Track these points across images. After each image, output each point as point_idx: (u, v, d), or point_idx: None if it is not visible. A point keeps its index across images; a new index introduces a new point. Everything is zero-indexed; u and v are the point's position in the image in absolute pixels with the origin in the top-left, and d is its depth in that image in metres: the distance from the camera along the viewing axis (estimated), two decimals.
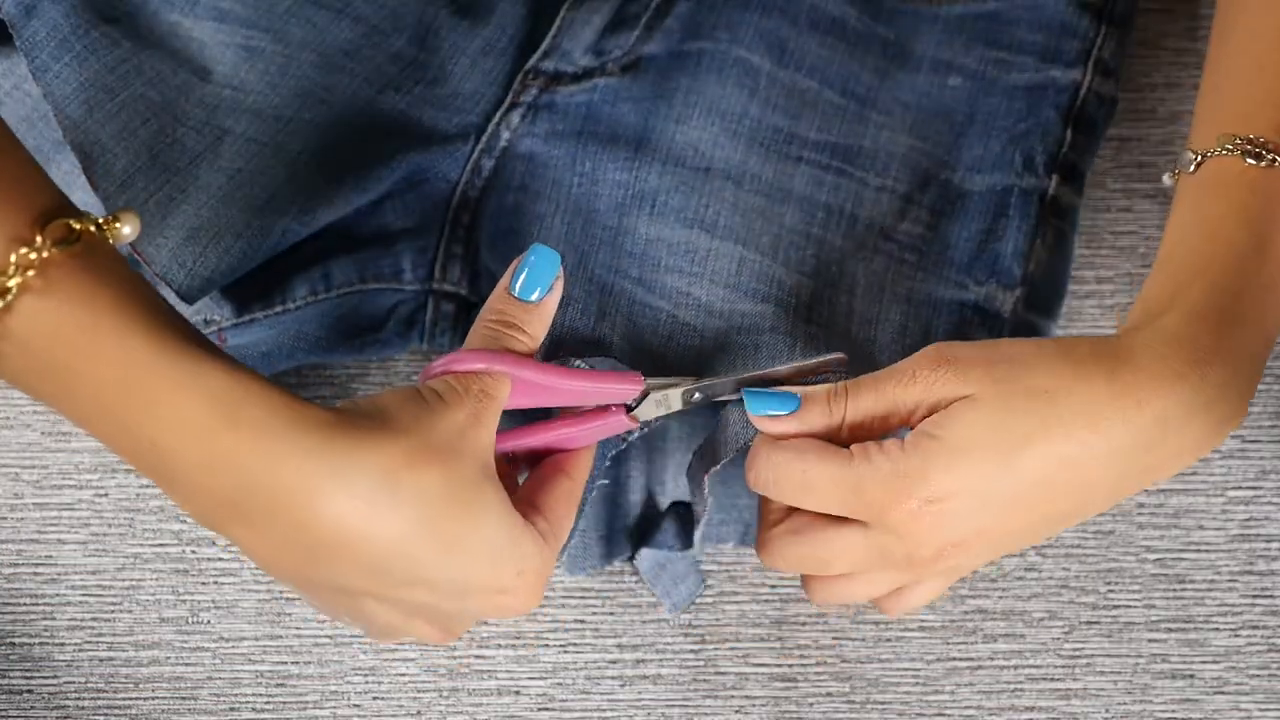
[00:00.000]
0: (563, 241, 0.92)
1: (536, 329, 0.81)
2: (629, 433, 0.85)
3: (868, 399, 0.80)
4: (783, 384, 0.84)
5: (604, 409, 0.83)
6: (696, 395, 0.84)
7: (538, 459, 0.84)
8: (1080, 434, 0.77)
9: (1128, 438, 0.77)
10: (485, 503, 0.74)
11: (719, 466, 0.85)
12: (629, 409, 0.83)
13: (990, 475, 0.77)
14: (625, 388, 0.83)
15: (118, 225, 0.72)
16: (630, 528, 0.95)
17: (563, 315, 0.90)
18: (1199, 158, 0.83)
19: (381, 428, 0.72)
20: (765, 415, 0.81)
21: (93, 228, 0.71)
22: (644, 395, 0.83)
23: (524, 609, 0.78)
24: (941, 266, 0.93)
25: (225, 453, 0.70)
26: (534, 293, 0.81)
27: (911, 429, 0.79)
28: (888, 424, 0.80)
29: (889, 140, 0.96)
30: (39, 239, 0.69)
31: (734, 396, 0.85)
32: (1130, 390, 0.77)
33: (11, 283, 0.69)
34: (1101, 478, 0.78)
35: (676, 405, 0.84)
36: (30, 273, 0.69)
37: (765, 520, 0.83)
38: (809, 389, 0.81)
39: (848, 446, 0.80)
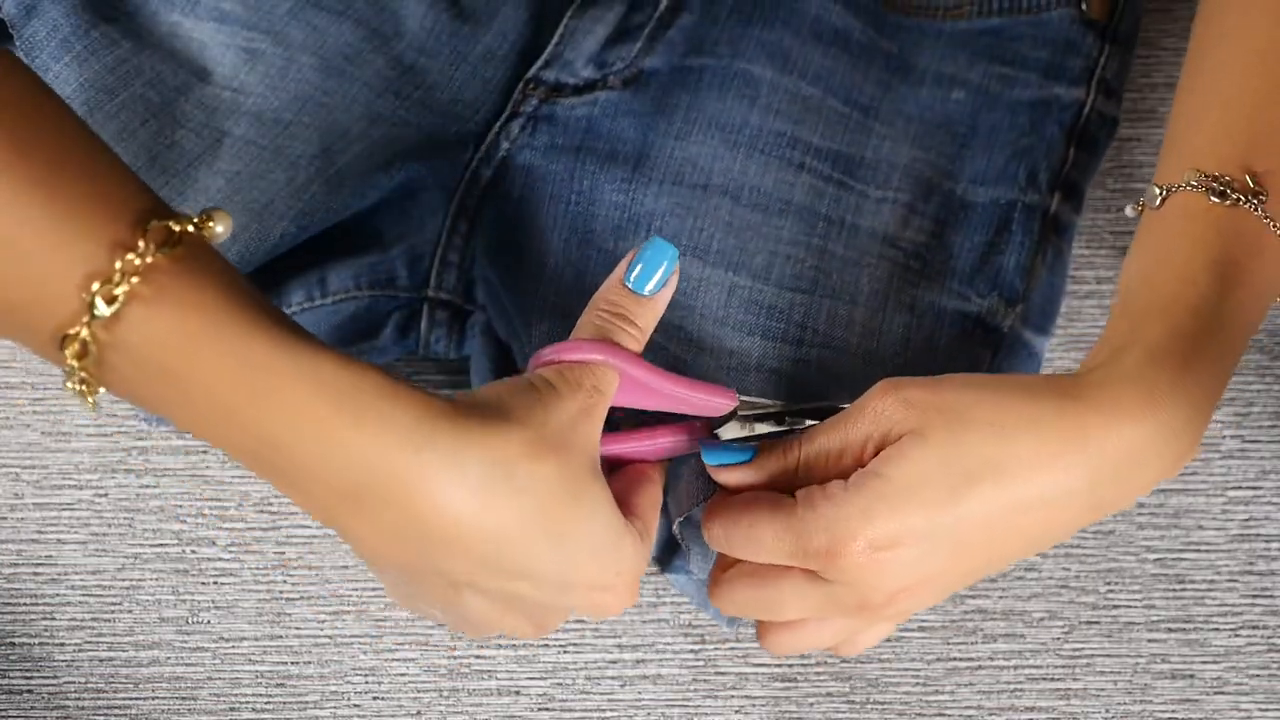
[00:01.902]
0: (561, 257, 0.92)
1: (648, 323, 0.80)
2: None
3: (820, 438, 0.79)
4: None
5: (690, 424, 0.83)
6: (786, 420, 0.84)
7: (613, 465, 0.84)
8: (1030, 473, 0.76)
9: (1078, 477, 0.76)
10: (594, 498, 0.74)
11: (683, 517, 0.86)
12: (712, 427, 0.83)
13: (937, 517, 0.76)
14: (719, 400, 0.82)
15: (211, 224, 0.70)
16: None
17: (565, 331, 0.89)
18: (1164, 192, 0.83)
19: (498, 417, 0.72)
20: (720, 466, 0.80)
21: (190, 227, 0.69)
22: (733, 412, 0.83)
23: (619, 608, 0.77)
24: (945, 275, 0.93)
25: (344, 444, 0.70)
26: (648, 285, 0.80)
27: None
28: (842, 462, 0.79)
29: (891, 151, 0.95)
30: (141, 243, 0.68)
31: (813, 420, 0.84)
32: (1082, 428, 0.76)
33: (118, 290, 0.67)
34: (1050, 517, 0.77)
35: (761, 429, 0.84)
36: (135, 279, 0.68)
37: (719, 562, 0.82)
38: (764, 441, 0.81)
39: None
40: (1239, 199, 0.81)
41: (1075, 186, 0.95)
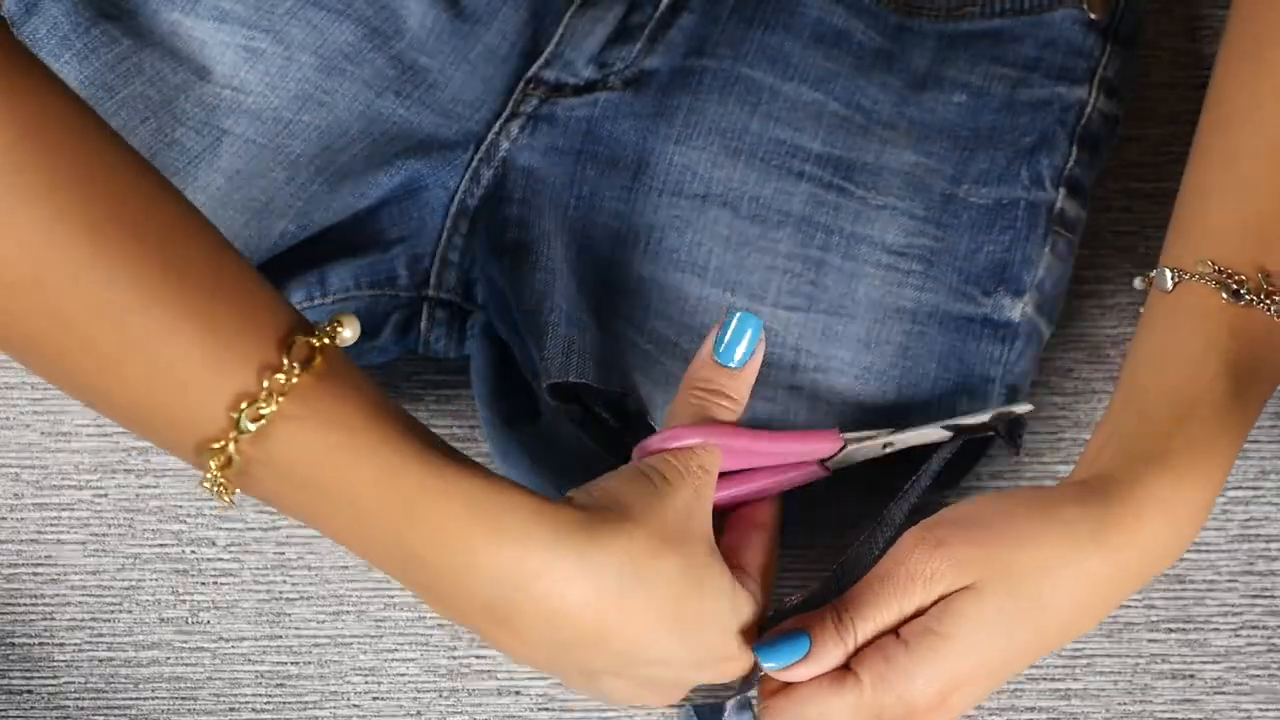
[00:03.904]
0: (561, 261, 0.92)
1: (742, 393, 0.82)
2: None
3: (873, 617, 0.79)
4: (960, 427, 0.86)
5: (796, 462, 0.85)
6: (890, 446, 0.85)
7: (723, 511, 0.85)
8: (1077, 600, 0.79)
9: (1115, 592, 0.80)
10: (715, 581, 0.77)
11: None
12: (825, 460, 0.85)
13: (999, 657, 0.79)
14: (824, 446, 0.84)
15: (340, 329, 0.72)
16: None
17: (581, 340, 0.89)
18: (1175, 276, 0.84)
19: (623, 519, 0.74)
20: (783, 667, 0.80)
21: (326, 340, 0.71)
22: (841, 449, 0.84)
23: (744, 672, 0.80)
24: (950, 275, 0.93)
25: (486, 560, 0.72)
26: (736, 358, 0.82)
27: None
28: (896, 627, 0.80)
29: (892, 157, 0.95)
30: (285, 361, 0.70)
31: (931, 439, 0.86)
32: (1118, 554, 0.79)
33: (265, 410, 0.69)
34: (1089, 625, 0.81)
35: (871, 454, 0.85)
36: (282, 399, 0.69)
37: (764, 688, 0.82)
38: (812, 621, 0.80)
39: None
40: (1252, 300, 0.82)
41: (1079, 184, 0.94)
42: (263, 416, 0.69)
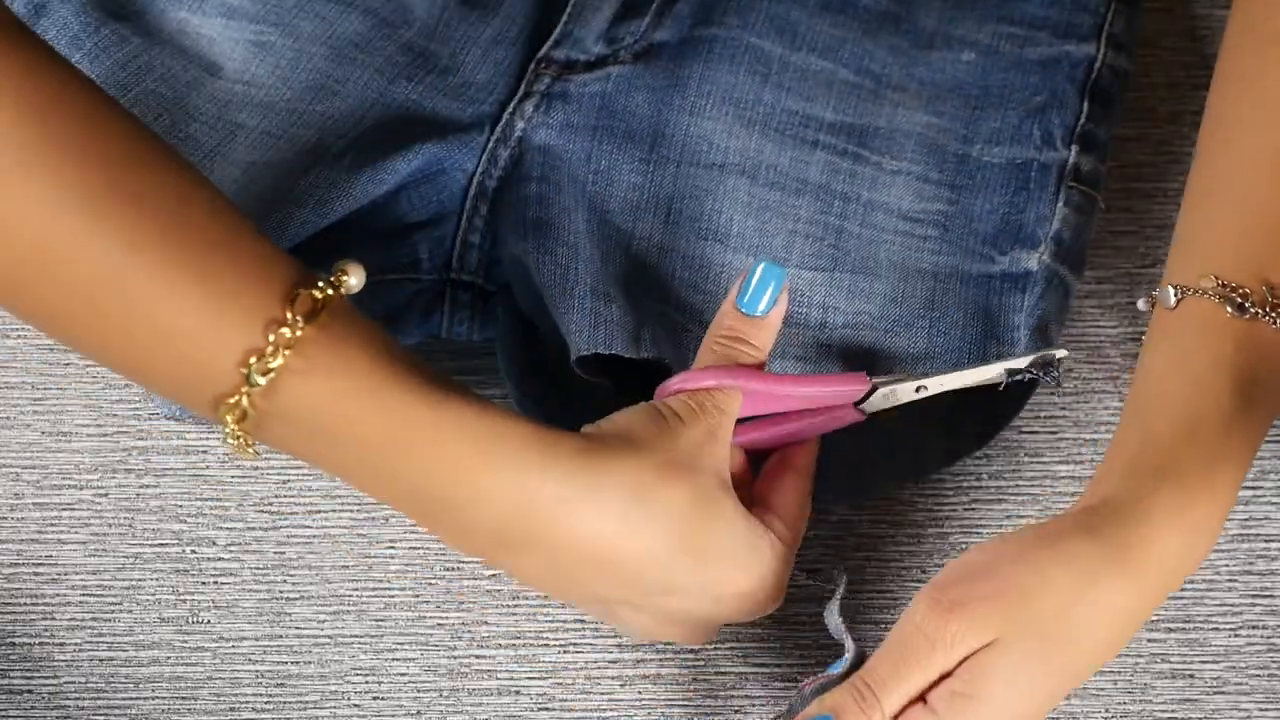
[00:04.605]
0: (584, 237, 0.92)
1: (764, 340, 0.84)
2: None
3: (896, 689, 0.78)
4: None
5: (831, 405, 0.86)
6: (923, 390, 0.85)
7: (760, 454, 0.86)
8: (1101, 632, 0.79)
9: (1136, 616, 0.80)
10: (725, 514, 0.78)
11: None
12: (856, 403, 0.85)
13: (1031, 705, 0.78)
14: (851, 389, 0.85)
15: (345, 277, 0.75)
16: None
17: (608, 311, 0.89)
18: (1179, 294, 0.84)
19: (628, 447, 0.77)
20: None
21: (330, 290, 0.74)
22: (871, 392, 0.85)
23: (767, 609, 0.82)
24: (966, 238, 0.93)
25: (486, 490, 0.75)
26: (759, 306, 0.83)
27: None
28: (922, 695, 0.79)
29: (905, 120, 0.96)
30: (289, 315, 0.72)
31: (962, 382, 0.86)
32: (1134, 580, 0.79)
33: (273, 364, 0.72)
34: (1114, 653, 0.81)
35: (904, 398, 0.86)
36: (288, 352, 0.72)
37: None
38: (833, 702, 0.79)
39: None
40: (1257, 313, 0.83)
41: (1092, 138, 0.95)
42: (271, 370, 0.72)
